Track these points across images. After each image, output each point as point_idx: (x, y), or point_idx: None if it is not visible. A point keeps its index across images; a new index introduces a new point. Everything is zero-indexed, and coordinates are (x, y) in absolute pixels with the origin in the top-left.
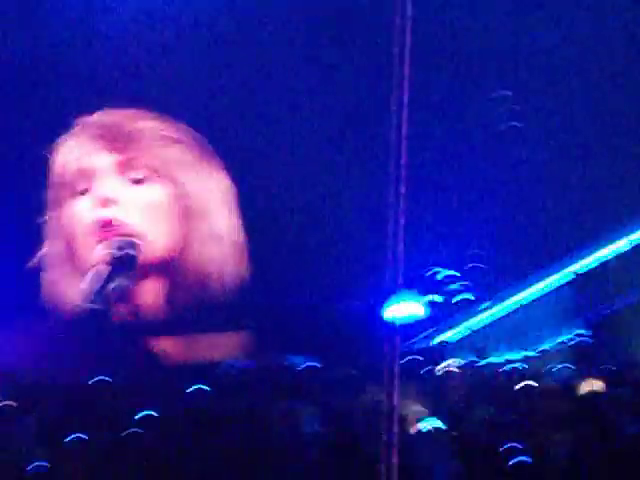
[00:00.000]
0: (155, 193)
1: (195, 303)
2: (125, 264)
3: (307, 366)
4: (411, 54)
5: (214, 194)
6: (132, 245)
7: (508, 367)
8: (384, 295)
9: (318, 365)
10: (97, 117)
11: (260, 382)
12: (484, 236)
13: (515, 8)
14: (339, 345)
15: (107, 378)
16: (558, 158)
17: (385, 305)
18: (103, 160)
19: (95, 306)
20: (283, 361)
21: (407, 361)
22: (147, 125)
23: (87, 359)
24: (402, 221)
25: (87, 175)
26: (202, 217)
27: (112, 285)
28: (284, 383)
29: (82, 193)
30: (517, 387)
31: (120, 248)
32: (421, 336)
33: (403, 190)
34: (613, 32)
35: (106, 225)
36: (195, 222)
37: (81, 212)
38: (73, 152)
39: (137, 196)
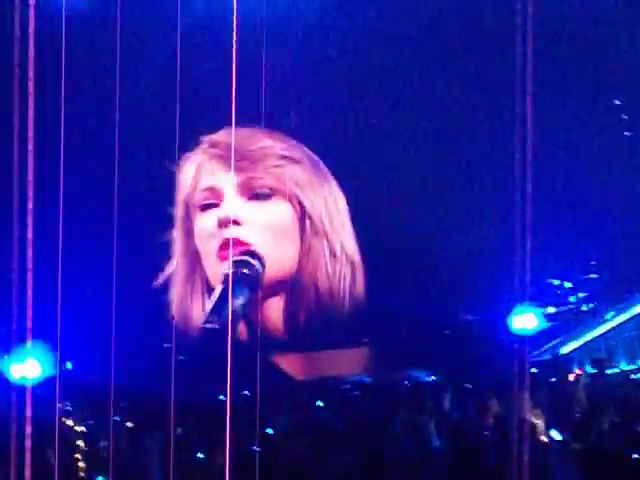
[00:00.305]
0: (276, 212)
1: (312, 321)
2: (247, 282)
3: (429, 381)
4: (533, 68)
5: (331, 213)
6: (254, 264)
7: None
8: (507, 307)
9: (439, 379)
10: (221, 136)
11: (382, 396)
12: (604, 247)
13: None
14: (462, 360)
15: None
16: None
17: (509, 318)
18: (227, 180)
19: (215, 325)
20: (405, 376)
21: (533, 373)
22: (267, 144)
23: (211, 377)
24: (527, 235)
25: (213, 194)
26: (320, 236)
27: (234, 303)
28: (406, 398)
29: (206, 209)
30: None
31: (243, 267)
32: (545, 348)
33: (529, 206)
34: None
35: (230, 245)
36: (313, 241)
37: (206, 230)
38: (200, 171)
39: (259, 215)
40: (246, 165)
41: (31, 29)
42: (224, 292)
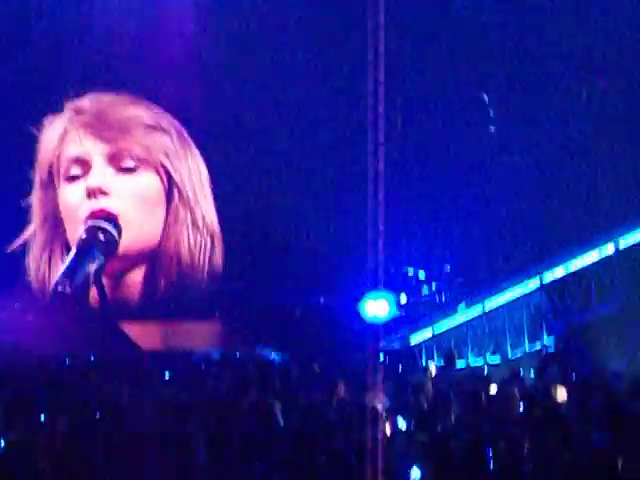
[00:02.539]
0: (144, 183)
1: (171, 291)
2: (102, 248)
3: (277, 360)
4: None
5: (195, 184)
6: (110, 230)
7: (477, 371)
8: (360, 293)
9: (288, 360)
10: (86, 103)
11: (230, 372)
12: (459, 239)
13: None
14: (312, 341)
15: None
16: (536, 163)
17: (360, 302)
18: (94, 149)
19: (66, 289)
20: (253, 353)
21: (382, 360)
22: (133, 113)
23: (61, 340)
24: (380, 221)
25: (79, 163)
26: (185, 207)
27: (87, 268)
28: (253, 375)
29: (73, 180)
30: (484, 392)
31: (98, 232)
32: (396, 336)
33: (382, 191)
34: None
35: (96, 213)
36: (179, 211)
37: (73, 201)
38: (64, 138)
39: (127, 187)
40: (114, 135)
41: None
42: (77, 256)
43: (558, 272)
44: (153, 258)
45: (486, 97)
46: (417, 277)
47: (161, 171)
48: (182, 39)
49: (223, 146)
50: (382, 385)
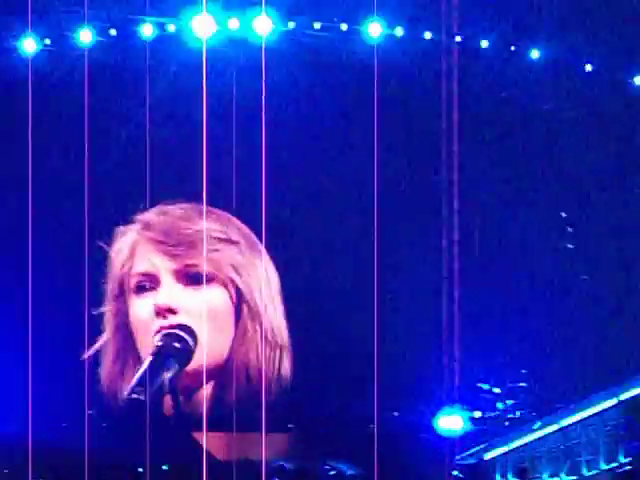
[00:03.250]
0: (213, 299)
1: (241, 404)
2: (178, 357)
3: (351, 474)
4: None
5: (265, 294)
6: (186, 338)
7: None
8: (434, 407)
9: (361, 473)
10: (154, 218)
11: None
12: (535, 356)
13: None
14: (386, 455)
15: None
16: (609, 283)
17: (435, 417)
18: (162, 265)
19: (140, 397)
20: (326, 466)
21: (456, 475)
22: (201, 227)
23: (134, 448)
24: (455, 335)
25: (148, 279)
26: (253, 320)
27: (161, 377)
28: None
29: (142, 293)
30: None
31: (174, 340)
32: (469, 452)
33: (457, 307)
34: None
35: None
36: (247, 325)
37: (143, 316)
38: (134, 253)
39: (196, 303)
40: (181, 251)
41: None
42: (152, 364)
43: (635, 391)
44: (222, 374)
45: (564, 214)
46: (492, 392)
47: (230, 286)
48: (248, 146)
49: (293, 247)
50: None
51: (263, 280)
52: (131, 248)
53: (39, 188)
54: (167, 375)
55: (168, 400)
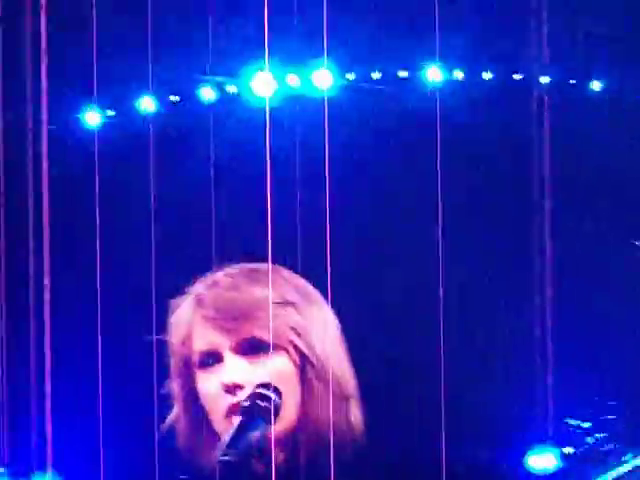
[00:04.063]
0: (277, 367)
1: (317, 464)
2: (264, 415)
3: None
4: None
5: (328, 348)
6: (271, 396)
7: None
8: (523, 446)
9: None
10: (204, 290)
11: None
12: (624, 387)
13: None
14: None
15: None
16: None
17: (525, 457)
18: (221, 342)
19: (231, 459)
20: None
21: None
22: (255, 295)
23: None
24: (547, 368)
25: (209, 356)
26: (319, 379)
27: (250, 436)
28: None
29: (207, 369)
30: None
31: (260, 399)
32: None
33: (550, 347)
34: None
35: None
36: (312, 386)
37: (210, 390)
38: (191, 330)
39: (262, 375)
40: (238, 325)
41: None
42: (240, 425)
43: None
44: (293, 440)
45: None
46: (581, 427)
47: (291, 350)
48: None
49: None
50: None
51: (323, 331)
52: (188, 325)
53: (106, 259)
54: (255, 435)
55: (256, 461)
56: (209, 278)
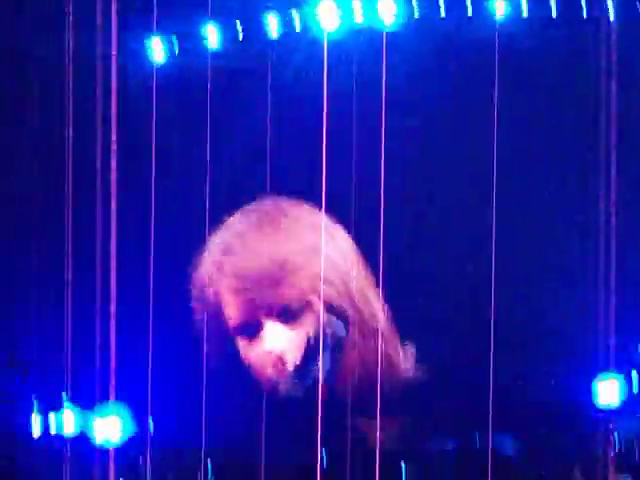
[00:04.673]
0: (311, 327)
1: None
2: (332, 343)
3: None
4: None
5: (350, 285)
6: (337, 323)
7: None
8: (589, 374)
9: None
10: (223, 253)
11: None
12: None
13: None
14: (540, 428)
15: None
16: None
17: (591, 385)
18: (258, 310)
19: (301, 388)
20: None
21: (618, 450)
22: (277, 253)
23: (302, 440)
24: (611, 294)
25: (246, 325)
26: (353, 323)
27: (316, 367)
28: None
29: (246, 337)
30: None
31: (330, 327)
32: (630, 420)
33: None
34: None
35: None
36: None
37: (253, 358)
38: (221, 297)
39: (299, 337)
40: (268, 293)
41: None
42: (308, 354)
43: None
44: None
45: None
46: None
47: (319, 303)
48: None
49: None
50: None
51: (348, 274)
52: (214, 293)
53: (160, 189)
54: (324, 368)
55: (325, 388)
56: (223, 233)
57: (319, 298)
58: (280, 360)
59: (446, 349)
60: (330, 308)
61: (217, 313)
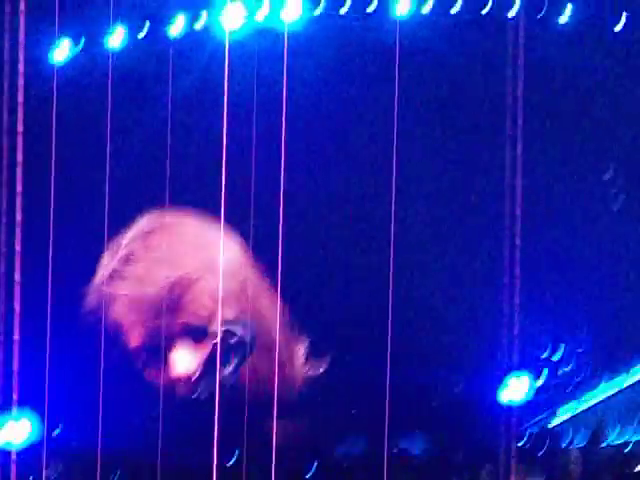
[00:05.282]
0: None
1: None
2: (235, 351)
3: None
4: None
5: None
6: (242, 333)
7: (622, 450)
8: (494, 376)
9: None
10: (114, 282)
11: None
12: (597, 319)
13: None
14: (448, 427)
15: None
16: None
17: (496, 386)
18: (160, 338)
19: (203, 393)
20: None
21: (522, 446)
22: (171, 280)
23: (200, 444)
24: (517, 300)
25: (149, 350)
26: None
27: (222, 372)
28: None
29: (150, 363)
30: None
31: (229, 337)
32: (534, 420)
33: (518, 271)
34: None
35: None
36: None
37: (160, 380)
38: (123, 326)
39: (206, 356)
40: (166, 320)
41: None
42: (210, 360)
43: None
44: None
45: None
46: (553, 359)
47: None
48: None
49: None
50: (524, 471)
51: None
52: (117, 320)
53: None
54: (228, 369)
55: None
56: (115, 257)
57: (217, 314)
58: (181, 375)
59: (346, 349)
60: (227, 321)
61: (115, 332)
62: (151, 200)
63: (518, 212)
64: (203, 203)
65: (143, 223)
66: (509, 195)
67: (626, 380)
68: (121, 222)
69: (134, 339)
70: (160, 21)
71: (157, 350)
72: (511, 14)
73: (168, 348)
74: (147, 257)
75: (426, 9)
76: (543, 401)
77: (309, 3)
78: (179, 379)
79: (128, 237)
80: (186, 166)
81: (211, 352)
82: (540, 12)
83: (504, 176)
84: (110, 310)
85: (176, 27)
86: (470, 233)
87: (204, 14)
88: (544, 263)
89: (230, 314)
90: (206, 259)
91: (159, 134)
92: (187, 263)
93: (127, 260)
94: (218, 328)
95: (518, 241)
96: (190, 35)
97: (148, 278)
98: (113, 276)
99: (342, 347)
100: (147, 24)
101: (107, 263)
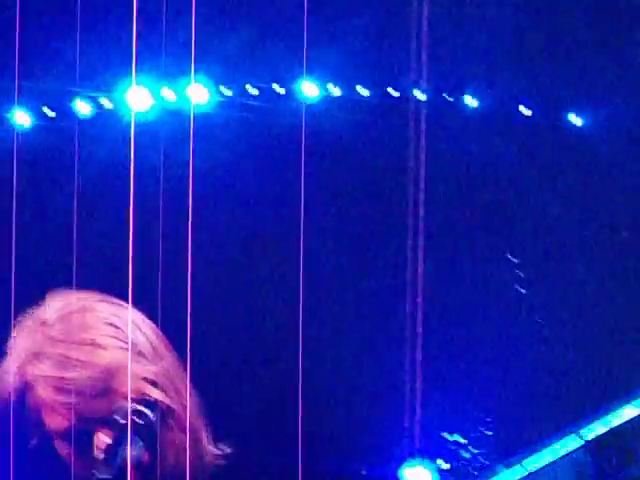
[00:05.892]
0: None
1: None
2: (141, 432)
3: None
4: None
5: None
6: (148, 413)
7: None
8: (396, 462)
9: None
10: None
11: None
12: (501, 403)
13: None
14: None
15: None
16: (567, 319)
17: (399, 471)
18: (84, 422)
19: (107, 476)
20: None
21: None
22: (97, 365)
23: None
24: (417, 383)
25: (73, 434)
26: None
27: (127, 453)
28: None
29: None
30: None
31: (136, 416)
32: None
33: (420, 355)
34: None
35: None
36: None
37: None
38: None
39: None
40: (92, 406)
41: None
42: (115, 442)
43: (599, 429)
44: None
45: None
46: (457, 443)
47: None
48: None
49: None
50: None
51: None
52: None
53: None
54: (133, 452)
55: (137, 475)
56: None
57: (139, 395)
58: (95, 457)
59: (254, 428)
60: (148, 404)
61: (36, 414)
62: (57, 280)
63: (419, 300)
64: (110, 285)
65: (63, 303)
66: (410, 283)
67: (526, 467)
68: (27, 302)
69: (53, 421)
70: (66, 102)
71: (73, 433)
72: (419, 97)
73: (84, 431)
74: (71, 339)
75: (336, 92)
76: None
77: (215, 86)
78: (93, 461)
79: (53, 317)
80: (92, 248)
81: (120, 433)
82: (448, 96)
83: (406, 265)
84: (31, 392)
85: (82, 106)
86: (369, 330)
87: (108, 95)
88: (446, 350)
89: (147, 395)
90: (126, 342)
91: (65, 215)
92: (108, 345)
93: (54, 340)
94: (128, 409)
95: (420, 329)
96: (97, 115)
97: (71, 360)
98: (39, 357)
99: (249, 431)
100: (52, 104)
101: (28, 343)
